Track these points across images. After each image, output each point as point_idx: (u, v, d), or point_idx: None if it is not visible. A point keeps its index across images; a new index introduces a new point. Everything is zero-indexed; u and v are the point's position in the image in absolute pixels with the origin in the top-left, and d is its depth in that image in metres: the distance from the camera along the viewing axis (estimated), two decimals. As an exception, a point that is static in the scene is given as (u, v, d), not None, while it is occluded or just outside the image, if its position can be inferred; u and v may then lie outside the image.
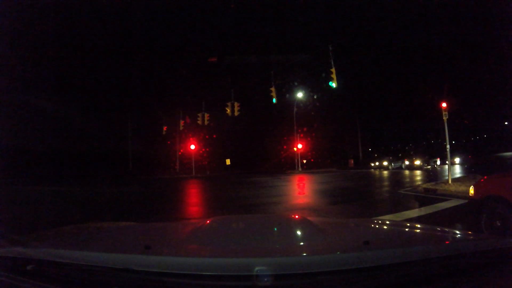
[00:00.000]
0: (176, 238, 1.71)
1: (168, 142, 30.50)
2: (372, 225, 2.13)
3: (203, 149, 29.58)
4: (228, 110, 18.75)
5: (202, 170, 27.56)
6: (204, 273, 0.99)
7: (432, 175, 17.39)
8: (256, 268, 0.95)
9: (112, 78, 30.69)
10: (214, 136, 30.29)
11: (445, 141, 11.59)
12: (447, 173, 11.99)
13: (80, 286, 1.08)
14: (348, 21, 30.30)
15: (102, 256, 1.15)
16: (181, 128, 27.03)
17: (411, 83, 30.32)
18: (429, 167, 25.17)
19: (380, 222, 2.63)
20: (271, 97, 15.84)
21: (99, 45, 26.81)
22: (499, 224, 3.71)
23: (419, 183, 13.29)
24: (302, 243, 1.60)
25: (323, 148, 32.89)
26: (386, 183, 15.48)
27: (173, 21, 33.61)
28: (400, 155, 27.70)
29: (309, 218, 2.11)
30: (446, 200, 7.80)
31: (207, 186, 16.83)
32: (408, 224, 2.62)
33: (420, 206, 7.34)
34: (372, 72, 33.22)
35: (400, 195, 9.76)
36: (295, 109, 27.75)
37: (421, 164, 24.33)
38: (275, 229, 1.88)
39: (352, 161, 33.71)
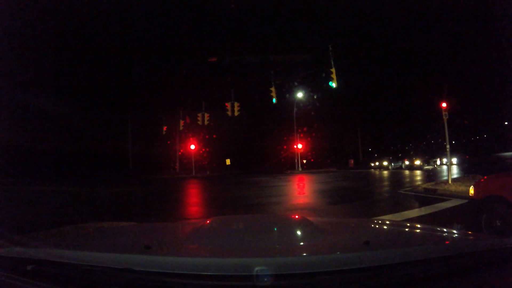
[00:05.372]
0: (176, 238, 1.71)
1: (168, 142, 30.48)
2: (372, 225, 2.13)
3: (203, 149, 29.59)
4: (228, 110, 18.76)
5: (202, 170, 27.56)
6: (204, 273, 0.99)
7: (432, 175, 17.38)
8: (256, 268, 0.95)
9: (112, 78, 30.67)
10: (214, 136, 30.29)
11: (445, 141, 11.60)
12: (446, 173, 11.99)
13: (80, 286, 1.08)
14: (348, 21, 30.33)
15: (102, 256, 1.15)
16: (181, 128, 27.01)
17: (411, 83, 30.37)
18: (429, 167, 25.16)
19: (380, 222, 2.63)
20: (271, 97, 15.86)
21: (99, 45, 26.82)
22: (499, 224, 3.71)
23: (419, 183, 13.29)
24: (302, 243, 1.60)
25: (323, 148, 32.95)
26: (386, 183, 15.48)
27: (173, 21, 33.61)
28: (400, 155, 27.76)
29: (309, 218, 2.10)
30: (446, 200, 7.79)
31: (207, 186, 16.83)
32: (408, 224, 2.62)
33: (420, 206, 7.35)
34: (372, 72, 33.24)
35: (400, 195, 9.75)
36: (295, 109, 27.75)
37: (421, 164, 24.35)
38: (275, 229, 1.87)
39: (352, 161, 33.71)
